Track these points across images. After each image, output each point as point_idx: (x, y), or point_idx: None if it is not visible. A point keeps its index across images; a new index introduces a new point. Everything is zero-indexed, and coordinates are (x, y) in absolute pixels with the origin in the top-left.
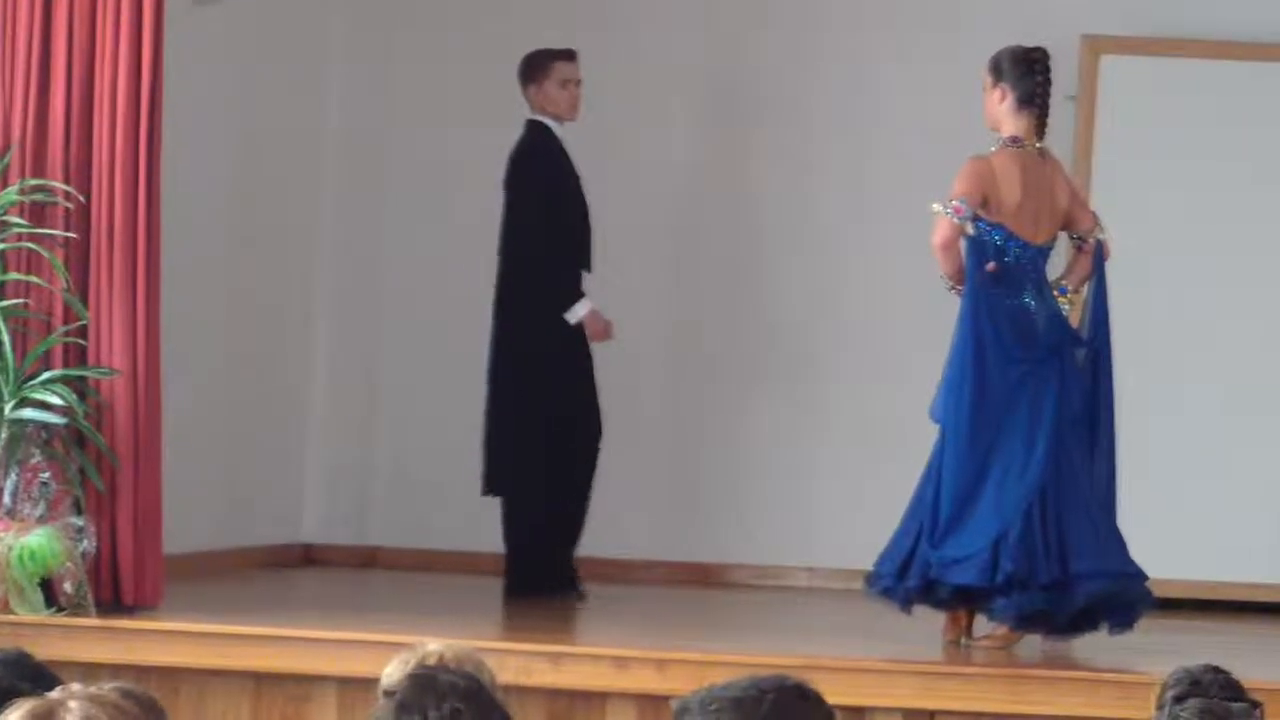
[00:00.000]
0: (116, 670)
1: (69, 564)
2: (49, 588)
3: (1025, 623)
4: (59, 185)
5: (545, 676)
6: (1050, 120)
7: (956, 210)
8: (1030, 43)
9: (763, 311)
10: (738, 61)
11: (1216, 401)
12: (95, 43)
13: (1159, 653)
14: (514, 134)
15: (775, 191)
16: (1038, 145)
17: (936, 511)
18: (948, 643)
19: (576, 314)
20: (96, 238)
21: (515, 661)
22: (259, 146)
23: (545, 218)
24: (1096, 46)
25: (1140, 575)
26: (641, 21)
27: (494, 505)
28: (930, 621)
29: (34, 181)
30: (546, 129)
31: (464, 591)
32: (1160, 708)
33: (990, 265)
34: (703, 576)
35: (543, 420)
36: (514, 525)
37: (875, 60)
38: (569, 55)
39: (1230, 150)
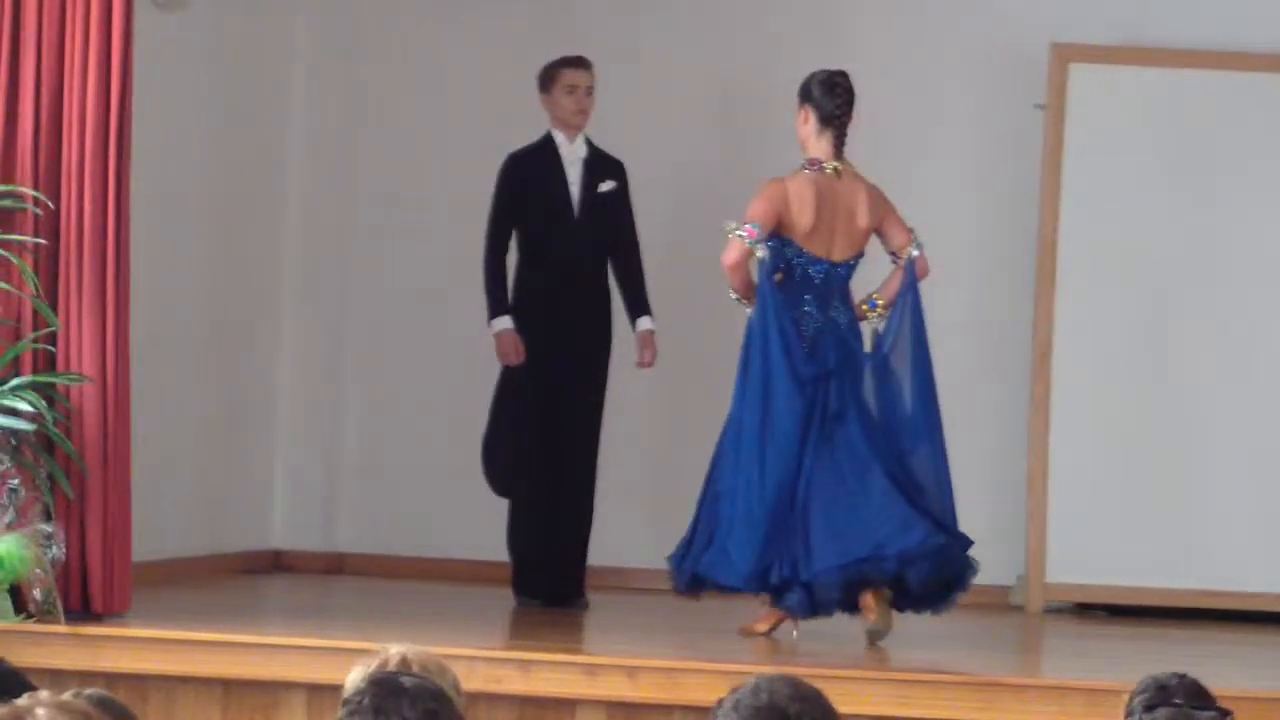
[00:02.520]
0: (85, 678)
1: (38, 571)
2: (17, 595)
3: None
4: (28, 191)
5: (514, 684)
6: (1020, 128)
7: (748, 234)
8: (1001, 51)
9: None
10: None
11: (1189, 404)
12: (64, 48)
13: (1128, 661)
14: (485, 135)
15: None
16: (835, 165)
17: (716, 516)
18: (762, 634)
19: (492, 328)
20: (66, 244)
21: (484, 669)
22: (228, 151)
23: (497, 224)
24: (1066, 55)
25: (959, 543)
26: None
27: (460, 511)
28: (907, 627)
29: (3, 187)
30: (547, 139)
31: (432, 597)
32: (1129, 716)
33: (777, 275)
34: None
35: (526, 423)
36: (509, 529)
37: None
38: (576, 62)
39: (1198, 157)
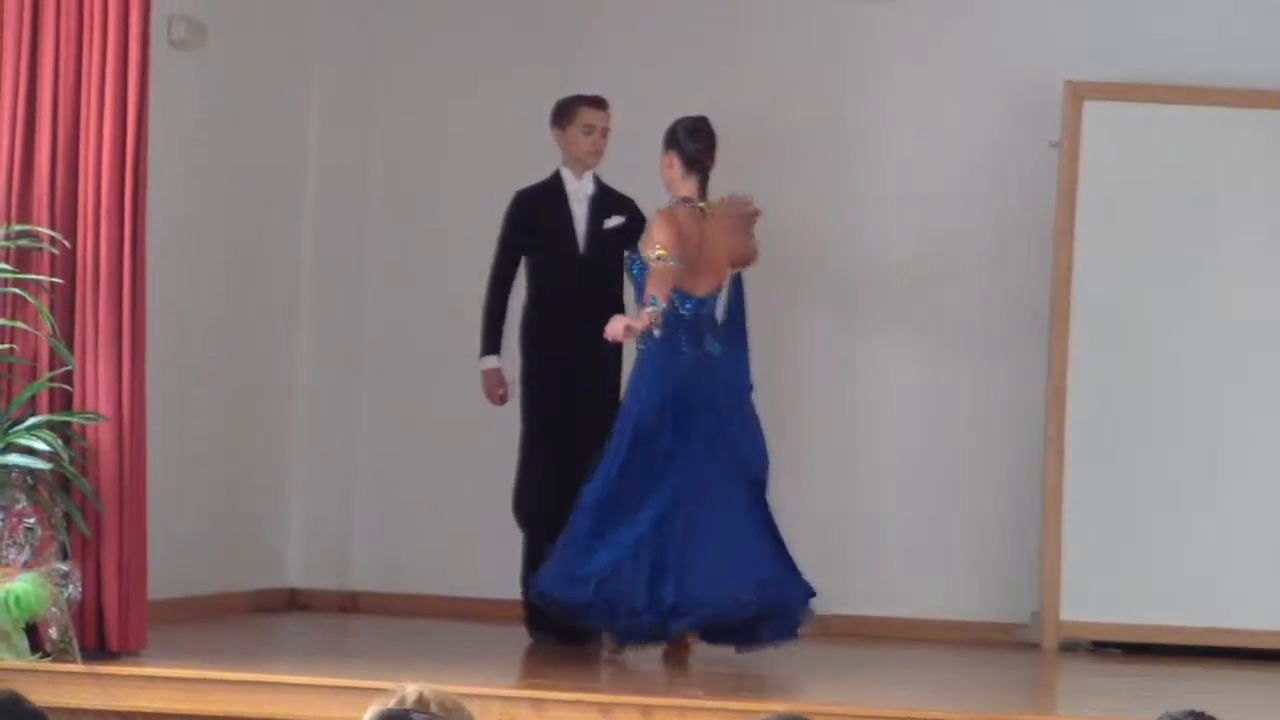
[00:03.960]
0: (101, 717)
1: (54, 609)
2: (34, 633)
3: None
4: (44, 230)
5: None
6: (1034, 166)
7: (679, 257)
8: (1014, 89)
9: (788, 364)
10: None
11: (1203, 441)
12: (81, 88)
13: (1143, 698)
14: (498, 175)
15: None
16: (701, 205)
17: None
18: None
19: (480, 365)
20: (82, 283)
21: (498, 707)
22: (244, 190)
23: (501, 261)
24: (1080, 92)
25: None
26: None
27: (474, 549)
28: (920, 663)
29: (19, 227)
30: (556, 178)
31: (447, 635)
32: None
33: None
34: None
35: (545, 459)
36: (524, 566)
37: (857, 106)
38: (596, 102)
39: (1212, 194)
